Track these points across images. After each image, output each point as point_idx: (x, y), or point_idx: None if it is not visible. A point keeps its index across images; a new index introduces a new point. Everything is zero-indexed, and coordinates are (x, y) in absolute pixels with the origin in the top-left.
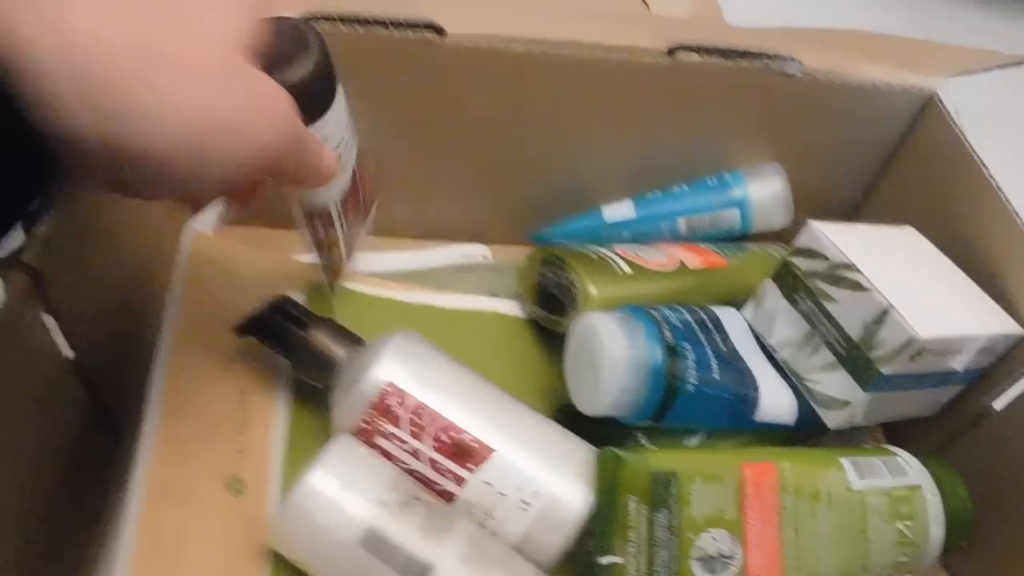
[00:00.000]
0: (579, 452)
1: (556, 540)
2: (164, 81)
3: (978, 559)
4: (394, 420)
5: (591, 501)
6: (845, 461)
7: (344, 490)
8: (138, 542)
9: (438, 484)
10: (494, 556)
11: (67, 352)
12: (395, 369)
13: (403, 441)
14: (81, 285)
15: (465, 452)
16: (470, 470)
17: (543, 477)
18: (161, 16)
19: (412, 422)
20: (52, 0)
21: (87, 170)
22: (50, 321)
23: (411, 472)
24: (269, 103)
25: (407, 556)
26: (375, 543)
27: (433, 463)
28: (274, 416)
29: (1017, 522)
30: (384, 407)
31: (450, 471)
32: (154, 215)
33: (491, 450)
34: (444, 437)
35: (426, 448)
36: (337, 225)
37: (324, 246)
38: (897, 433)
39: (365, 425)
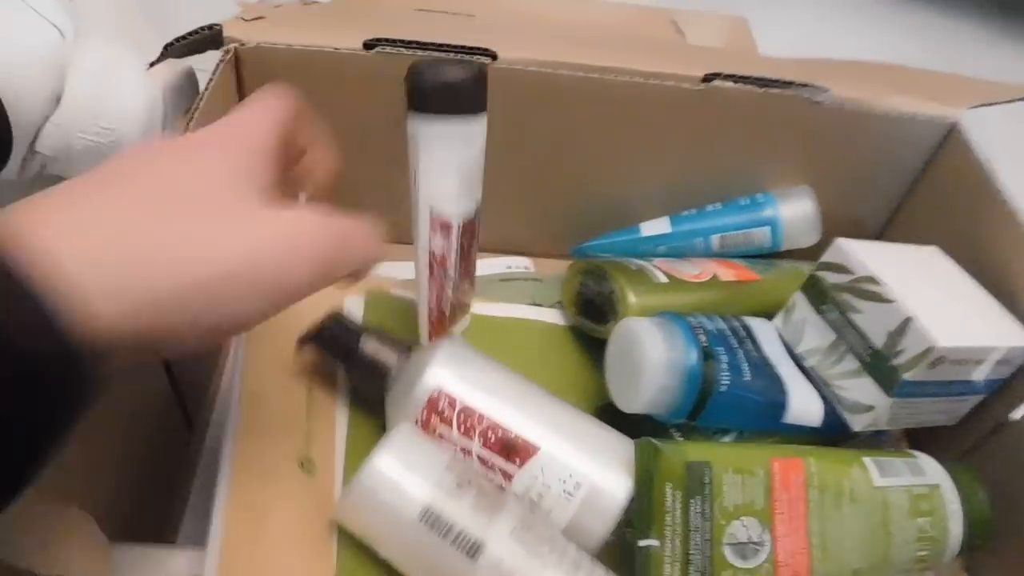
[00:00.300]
0: (619, 445)
1: (599, 527)
2: (188, 285)
3: (999, 565)
4: (446, 421)
5: (631, 490)
6: (868, 460)
7: (406, 471)
8: (229, 507)
9: (489, 480)
10: (542, 535)
11: None
12: (444, 373)
13: (454, 442)
14: None
15: (512, 449)
16: (517, 465)
17: (585, 469)
18: (167, 226)
19: (461, 422)
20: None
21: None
22: None
23: None
24: (294, 240)
25: (461, 532)
26: (432, 520)
27: (482, 460)
28: (337, 407)
29: None
30: (435, 409)
31: (498, 467)
32: None
33: (536, 447)
34: (491, 436)
35: (475, 447)
36: (453, 248)
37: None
38: (919, 442)
39: (419, 428)
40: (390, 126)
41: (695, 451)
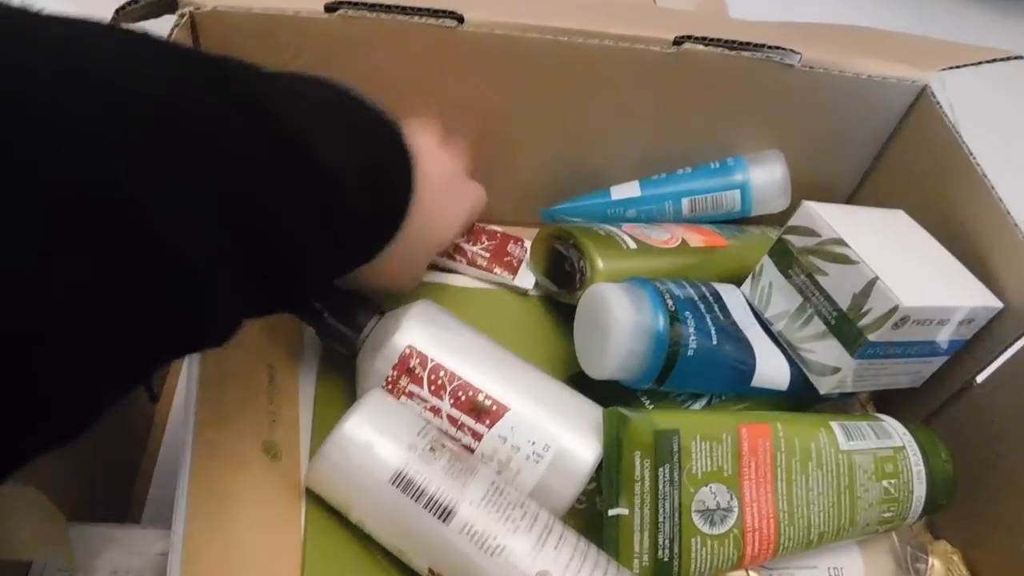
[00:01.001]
0: (588, 409)
1: (567, 490)
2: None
3: (960, 522)
4: (416, 380)
5: (599, 453)
6: (834, 424)
7: (378, 435)
8: (191, 494)
9: (457, 439)
10: (513, 499)
11: None
12: (416, 333)
13: (424, 400)
14: None
15: (481, 410)
16: (487, 426)
17: (554, 432)
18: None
19: (432, 382)
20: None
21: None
22: None
23: None
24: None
25: (433, 496)
26: (404, 483)
27: (452, 420)
28: (301, 389)
29: (996, 489)
30: (406, 368)
31: (468, 427)
32: None
33: (506, 408)
34: (462, 396)
35: (445, 406)
36: None
37: None
38: (886, 405)
39: (389, 386)
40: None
41: (663, 419)
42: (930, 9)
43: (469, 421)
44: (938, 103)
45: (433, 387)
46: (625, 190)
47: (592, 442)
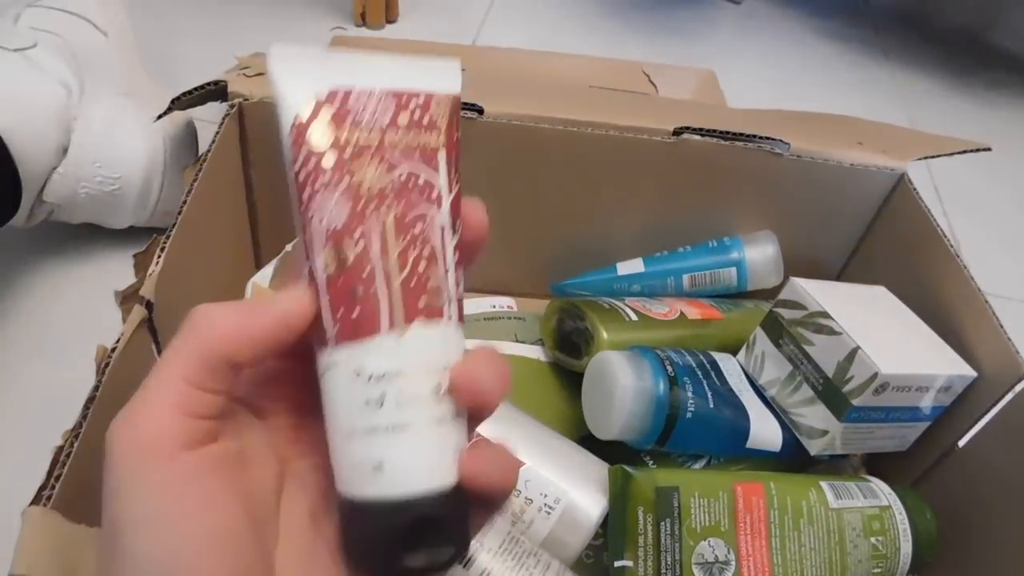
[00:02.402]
0: (595, 467)
1: (574, 541)
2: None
3: None
4: None
5: (605, 508)
6: (824, 484)
7: None
8: None
9: None
10: (526, 548)
11: None
12: None
13: None
14: (178, 320)
15: None
16: None
17: (564, 486)
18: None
19: None
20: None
21: None
22: (155, 349)
23: None
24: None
25: None
26: None
27: None
28: None
29: (982, 550)
30: None
31: None
32: (229, 267)
33: (521, 463)
34: None
35: None
36: None
37: None
38: (876, 469)
39: None
40: None
41: (664, 476)
42: (915, 98)
43: None
44: (915, 189)
45: None
46: (630, 266)
47: (599, 497)
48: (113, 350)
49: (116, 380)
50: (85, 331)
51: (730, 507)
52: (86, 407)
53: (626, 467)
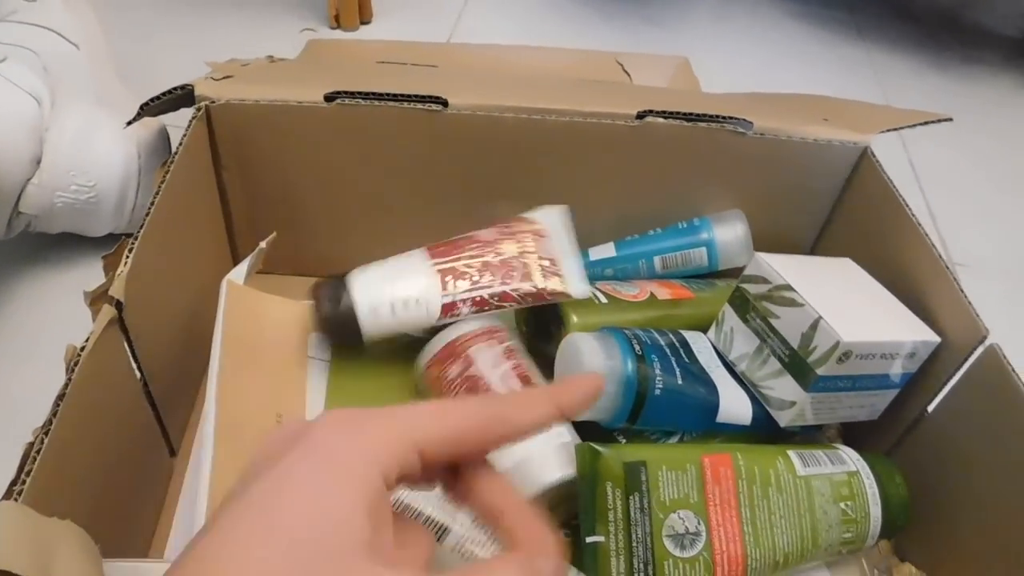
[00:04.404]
0: (567, 438)
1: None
2: None
3: (924, 546)
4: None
5: (562, 477)
6: (792, 452)
7: None
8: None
9: None
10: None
11: (138, 374)
12: None
13: None
14: (150, 318)
15: None
16: None
17: (530, 444)
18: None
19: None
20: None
21: None
22: (126, 347)
23: None
24: None
25: (428, 517)
26: (402, 508)
27: None
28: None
29: (956, 512)
30: None
31: None
32: (203, 266)
33: None
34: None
35: None
36: None
37: None
38: (850, 441)
39: None
40: (350, 169)
41: (631, 452)
42: (893, 78)
43: None
44: (878, 162)
45: None
46: (602, 251)
47: (560, 464)
48: (82, 349)
49: (85, 378)
50: (69, 337)
51: (698, 479)
52: (56, 404)
53: (593, 444)
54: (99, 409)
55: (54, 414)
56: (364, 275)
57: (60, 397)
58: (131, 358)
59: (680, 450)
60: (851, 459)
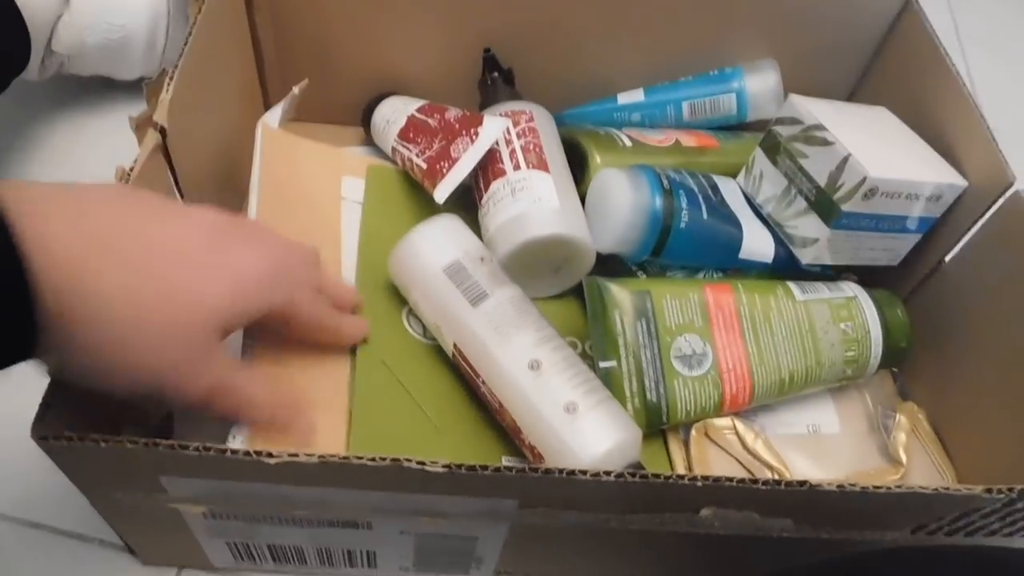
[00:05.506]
0: (554, 198)
1: (517, 237)
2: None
3: (928, 386)
4: None
5: (554, 232)
6: (791, 282)
7: (443, 235)
8: None
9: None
10: (532, 311)
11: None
12: None
13: None
14: (190, 151)
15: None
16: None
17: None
18: (155, 285)
19: None
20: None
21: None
22: (169, 175)
23: None
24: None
25: (471, 286)
26: (452, 272)
27: None
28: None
29: (962, 355)
30: None
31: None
32: (236, 107)
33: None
34: None
35: None
36: None
37: None
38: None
39: None
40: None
41: (636, 283)
42: None
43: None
44: (920, 12)
45: None
46: (630, 96)
47: (549, 223)
48: (130, 171)
49: None
50: (103, 178)
51: (701, 306)
52: None
53: (599, 278)
54: None
55: None
56: None
57: None
58: (174, 186)
59: (684, 282)
60: (849, 288)
